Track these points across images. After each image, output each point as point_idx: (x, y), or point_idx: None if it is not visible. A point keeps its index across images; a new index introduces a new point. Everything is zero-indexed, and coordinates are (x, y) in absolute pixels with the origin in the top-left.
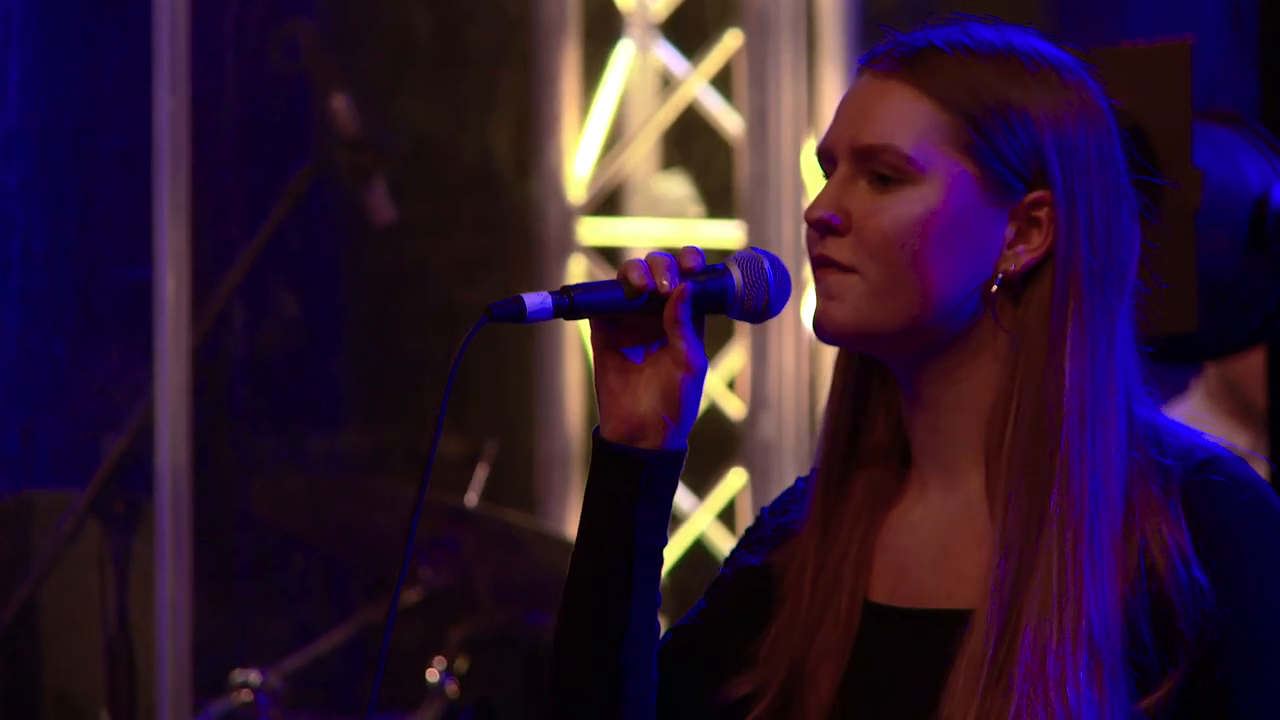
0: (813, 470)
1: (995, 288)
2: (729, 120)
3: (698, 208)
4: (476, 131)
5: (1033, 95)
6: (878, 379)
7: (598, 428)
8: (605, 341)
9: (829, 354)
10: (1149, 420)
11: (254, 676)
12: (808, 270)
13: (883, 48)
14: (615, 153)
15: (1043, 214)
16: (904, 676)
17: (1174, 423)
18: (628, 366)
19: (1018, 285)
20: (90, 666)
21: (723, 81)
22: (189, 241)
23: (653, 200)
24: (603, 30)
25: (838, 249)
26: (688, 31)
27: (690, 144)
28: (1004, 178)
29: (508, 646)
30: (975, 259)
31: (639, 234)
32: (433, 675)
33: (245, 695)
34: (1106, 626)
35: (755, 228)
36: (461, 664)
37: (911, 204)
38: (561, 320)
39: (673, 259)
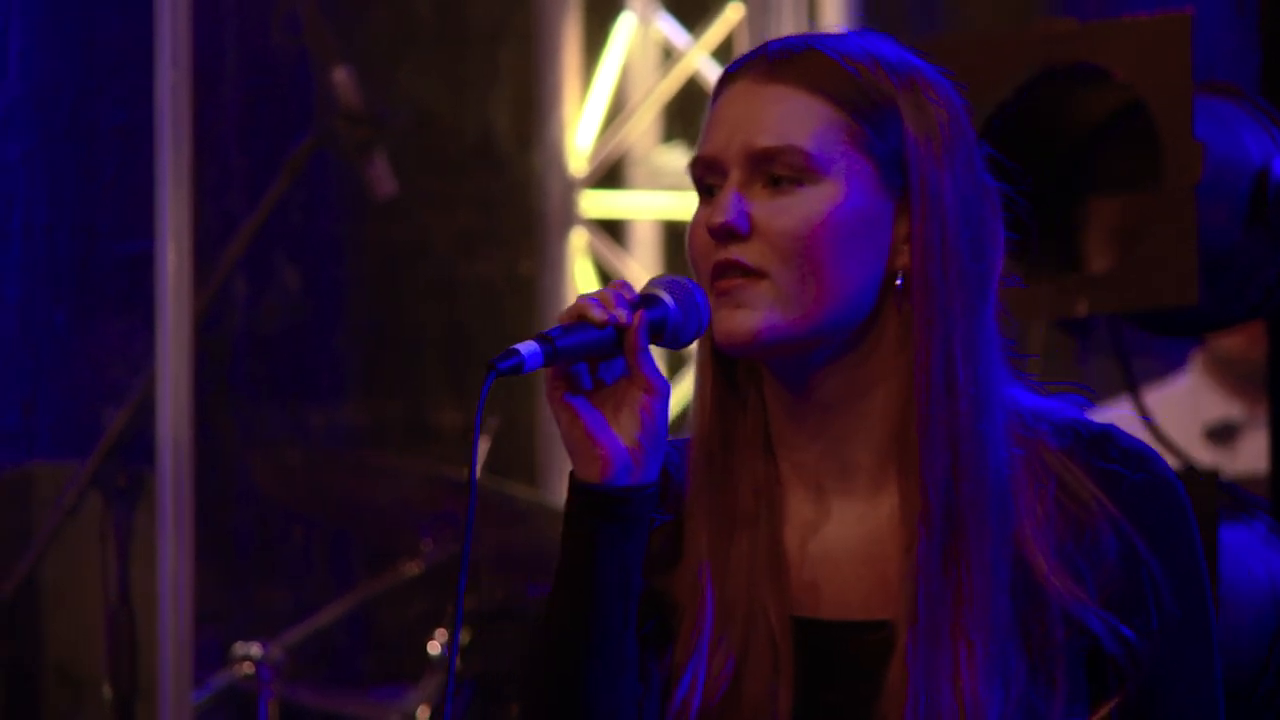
0: (674, 485)
1: (898, 282)
2: None
3: None
4: (478, 105)
5: (899, 93)
6: (748, 384)
7: (573, 474)
8: (566, 387)
9: None
10: (1015, 396)
11: (255, 649)
12: None
13: (754, 55)
14: (616, 125)
15: None
16: (845, 690)
17: (1035, 396)
18: (593, 407)
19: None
20: (91, 639)
21: (724, 54)
22: (190, 214)
23: (654, 172)
24: (604, 3)
25: (745, 253)
26: (689, 4)
27: (691, 116)
28: (892, 172)
29: (509, 619)
30: (875, 254)
31: (640, 206)
32: (434, 648)
33: (246, 668)
34: (1015, 618)
35: None
36: (464, 637)
37: (815, 202)
38: (563, 293)
39: (618, 292)
